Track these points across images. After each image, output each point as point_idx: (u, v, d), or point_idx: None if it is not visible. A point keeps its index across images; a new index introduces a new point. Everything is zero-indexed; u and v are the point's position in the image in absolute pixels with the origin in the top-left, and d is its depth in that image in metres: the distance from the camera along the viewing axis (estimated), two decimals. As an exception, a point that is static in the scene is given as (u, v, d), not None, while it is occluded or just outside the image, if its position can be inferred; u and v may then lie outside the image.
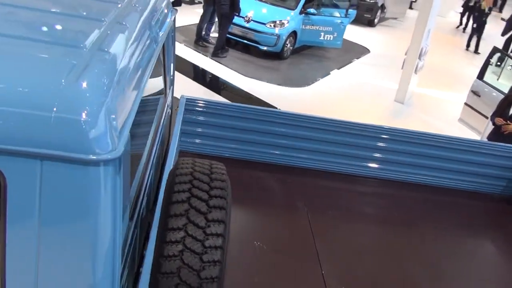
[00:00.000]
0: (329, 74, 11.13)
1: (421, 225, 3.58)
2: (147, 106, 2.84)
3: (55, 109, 1.41)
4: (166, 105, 3.18)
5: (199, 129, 3.79)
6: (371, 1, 15.95)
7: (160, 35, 2.37)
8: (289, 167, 3.89)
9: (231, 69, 10.14)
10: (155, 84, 2.98)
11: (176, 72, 9.83)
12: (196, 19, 11.19)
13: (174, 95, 3.57)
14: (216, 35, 10.72)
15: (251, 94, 9.23)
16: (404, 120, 9.11)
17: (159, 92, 2.95)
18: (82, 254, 1.58)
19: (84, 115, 1.44)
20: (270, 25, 10.74)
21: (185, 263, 1.66)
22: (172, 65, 3.32)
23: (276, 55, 11.00)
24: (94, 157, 1.45)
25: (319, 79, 10.60)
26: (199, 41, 10.97)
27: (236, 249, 2.93)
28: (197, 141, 3.84)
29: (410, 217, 3.67)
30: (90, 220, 1.53)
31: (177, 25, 12.07)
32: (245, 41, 10.96)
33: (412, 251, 3.27)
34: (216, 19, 10.64)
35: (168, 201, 1.78)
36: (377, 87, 10.76)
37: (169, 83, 3.23)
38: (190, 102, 3.69)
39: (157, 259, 1.68)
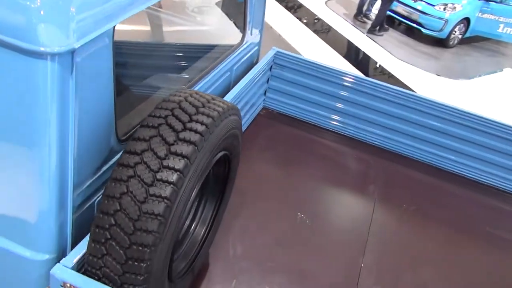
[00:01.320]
0: (501, 71, 9.73)
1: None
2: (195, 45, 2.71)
3: (5, -11, 1.34)
4: (242, 51, 2.99)
5: (287, 87, 3.54)
6: None
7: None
8: (376, 147, 3.44)
9: (385, 49, 9.47)
10: (217, 22, 2.82)
11: (327, 46, 9.45)
12: (361, -7, 10.68)
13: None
14: (379, 12, 10.10)
15: (398, 78, 8.52)
16: None
17: (225, 33, 2.78)
18: (22, 155, 1.51)
19: (37, 2, 1.34)
20: (440, 8, 9.73)
21: (129, 190, 1.49)
22: (260, 9, 3.11)
23: (439, 42, 9.97)
24: (41, 49, 1.35)
25: (484, 75, 9.34)
26: (358, 15, 10.46)
27: (273, 214, 2.69)
28: (283, 99, 3.59)
29: (508, 236, 2.98)
30: (31, 121, 1.45)
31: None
32: (408, 22, 10.12)
33: (486, 274, 2.63)
34: (381, -6, 10.00)
35: (140, 124, 1.62)
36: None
37: (250, 28, 3.03)
38: (281, 57, 3.44)
39: (109, 181, 1.55)
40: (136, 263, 1.50)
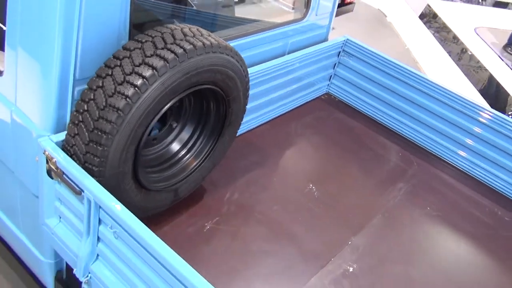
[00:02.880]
0: None
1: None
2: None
3: None
4: (301, 27, 3.14)
5: (353, 77, 3.58)
6: None
7: None
8: (428, 152, 3.31)
9: (528, 86, 8.62)
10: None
11: (462, 74, 8.87)
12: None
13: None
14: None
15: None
16: None
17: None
18: (35, 44, 1.89)
19: None
20: None
21: (103, 85, 1.78)
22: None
23: None
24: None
25: None
26: (508, 46, 9.67)
27: (285, 179, 2.80)
28: (347, 88, 3.64)
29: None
30: (42, 18, 1.81)
31: (492, 26, 10.67)
32: None
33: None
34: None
35: (132, 38, 1.91)
36: None
37: (316, 8, 3.15)
38: (351, 45, 3.50)
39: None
40: (95, 146, 1.80)
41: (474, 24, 10.69)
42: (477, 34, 10.33)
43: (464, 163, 3.21)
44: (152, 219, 2.26)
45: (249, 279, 2.21)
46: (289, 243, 2.42)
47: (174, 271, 1.60)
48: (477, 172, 3.17)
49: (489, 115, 3.04)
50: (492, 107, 7.98)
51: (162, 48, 1.84)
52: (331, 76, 3.66)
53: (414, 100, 3.33)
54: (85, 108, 1.81)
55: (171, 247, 1.64)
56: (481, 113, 3.07)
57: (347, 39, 3.50)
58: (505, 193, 3.09)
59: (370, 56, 3.46)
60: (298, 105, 3.47)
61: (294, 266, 2.30)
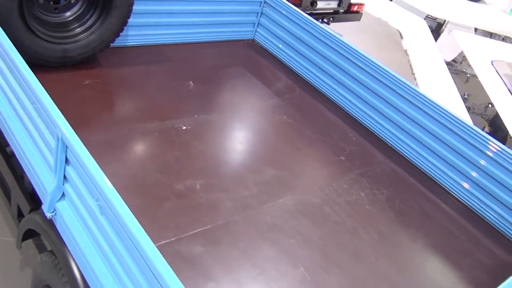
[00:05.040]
0: None
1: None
2: None
3: None
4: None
5: (274, 28, 4.20)
6: None
7: None
8: (319, 91, 3.86)
9: (527, 116, 8.72)
10: None
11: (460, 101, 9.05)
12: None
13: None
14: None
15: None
16: None
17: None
18: None
19: None
20: None
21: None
22: None
23: None
24: None
25: None
26: (519, 80, 9.81)
27: (172, 79, 3.47)
28: (268, 37, 4.27)
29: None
30: None
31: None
32: None
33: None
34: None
35: None
36: None
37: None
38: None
39: None
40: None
41: (491, 56, 10.91)
42: (493, 66, 10.54)
43: (343, 100, 3.73)
44: (42, 68, 2.97)
45: (100, 120, 2.88)
46: (147, 104, 3.10)
47: (38, 100, 2.03)
48: (349, 107, 3.69)
49: (389, 77, 3.52)
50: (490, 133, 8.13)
51: None
52: (255, 24, 4.32)
53: (314, 47, 3.89)
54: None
55: (46, 88, 2.02)
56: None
57: (268, -7, 4.17)
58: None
59: (289, 11, 4.09)
60: (219, 40, 4.15)
61: (140, 115, 2.97)
